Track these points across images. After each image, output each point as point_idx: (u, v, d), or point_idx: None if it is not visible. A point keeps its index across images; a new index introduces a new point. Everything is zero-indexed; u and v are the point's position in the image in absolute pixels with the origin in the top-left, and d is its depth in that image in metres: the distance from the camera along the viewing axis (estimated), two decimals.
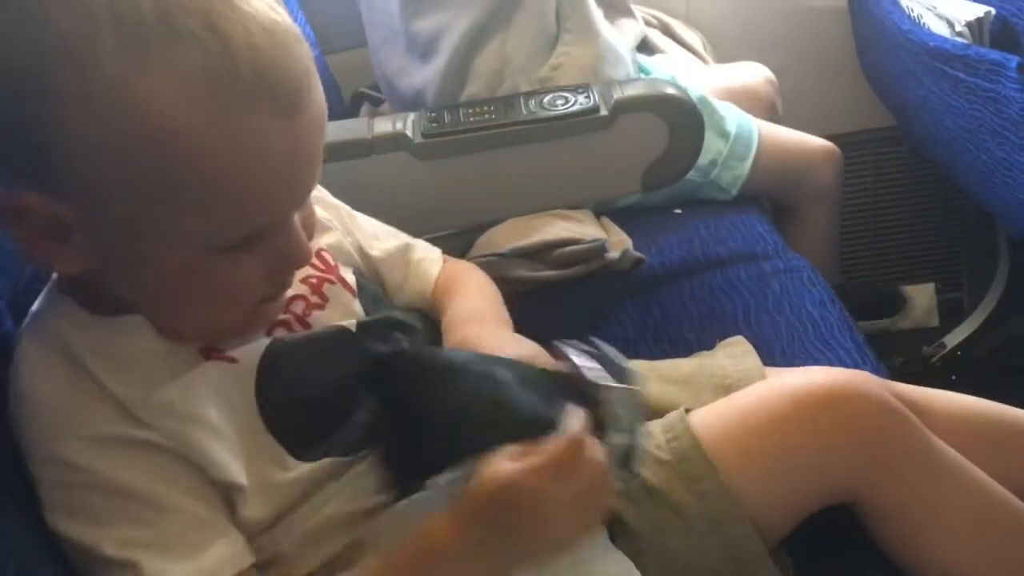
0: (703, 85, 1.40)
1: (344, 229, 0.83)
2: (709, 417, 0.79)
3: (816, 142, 1.42)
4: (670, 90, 1.12)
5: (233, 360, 0.67)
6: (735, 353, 0.92)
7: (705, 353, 0.94)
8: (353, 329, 0.74)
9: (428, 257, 0.88)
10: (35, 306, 0.68)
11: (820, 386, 0.77)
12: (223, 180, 0.57)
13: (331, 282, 0.76)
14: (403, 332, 0.78)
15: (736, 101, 1.43)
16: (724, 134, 1.30)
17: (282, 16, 0.59)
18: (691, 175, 1.26)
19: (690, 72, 1.51)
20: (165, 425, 0.63)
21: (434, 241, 0.92)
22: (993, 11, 1.25)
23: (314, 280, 0.75)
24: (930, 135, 1.60)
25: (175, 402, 0.63)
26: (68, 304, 0.66)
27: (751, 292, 1.13)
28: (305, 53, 0.60)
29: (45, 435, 0.62)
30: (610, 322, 1.11)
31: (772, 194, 1.42)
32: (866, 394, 0.77)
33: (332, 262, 0.78)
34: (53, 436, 0.62)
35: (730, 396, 0.82)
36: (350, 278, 0.78)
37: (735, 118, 1.34)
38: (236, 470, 0.64)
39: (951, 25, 1.31)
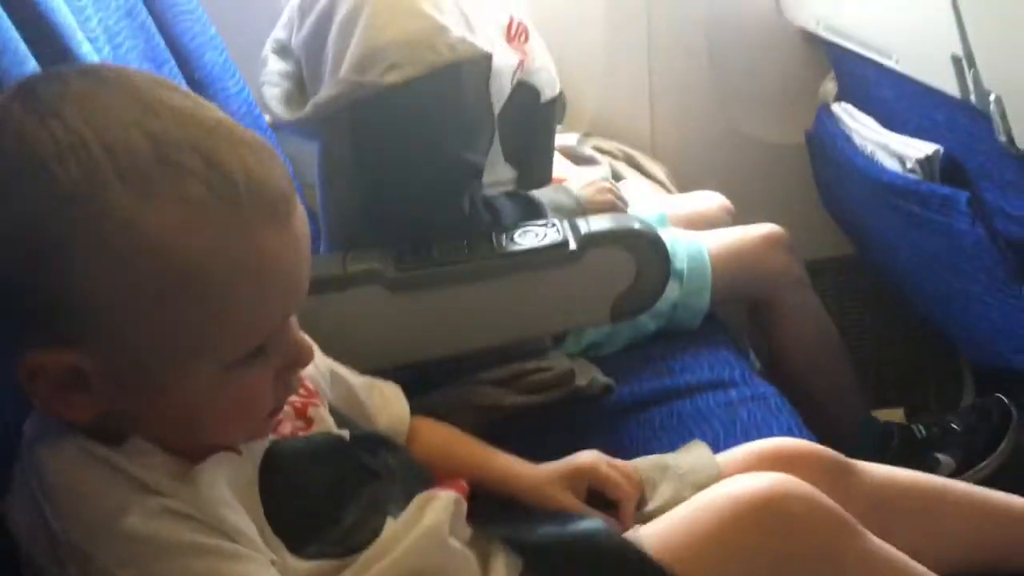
0: (657, 211, 1.45)
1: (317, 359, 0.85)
2: (659, 526, 0.83)
3: (756, 230, 1.43)
4: (636, 225, 1.15)
5: (239, 452, 0.69)
6: (689, 448, 0.98)
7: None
8: (347, 438, 0.78)
9: (396, 392, 0.92)
10: (31, 431, 0.67)
11: (755, 493, 0.81)
12: (237, 299, 0.60)
13: (315, 405, 0.78)
14: (389, 449, 0.82)
15: (693, 227, 1.47)
16: (677, 275, 1.31)
17: (258, 133, 0.63)
18: (655, 322, 1.30)
19: (648, 200, 1.56)
20: (195, 505, 0.63)
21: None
22: (941, 149, 1.31)
23: (298, 404, 0.77)
24: (889, 264, 1.65)
25: (199, 487, 0.64)
26: (70, 435, 0.65)
27: (720, 420, 1.14)
28: (280, 159, 0.64)
29: (94, 522, 0.61)
30: (580, 450, 1.12)
31: (736, 295, 1.42)
32: (800, 498, 0.80)
33: (312, 387, 0.80)
34: (104, 520, 0.61)
35: (679, 506, 0.85)
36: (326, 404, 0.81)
37: (684, 251, 1.35)
38: (261, 544, 0.66)
39: (903, 162, 1.37)
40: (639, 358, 1.28)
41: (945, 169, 1.31)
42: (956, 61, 1.11)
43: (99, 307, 0.58)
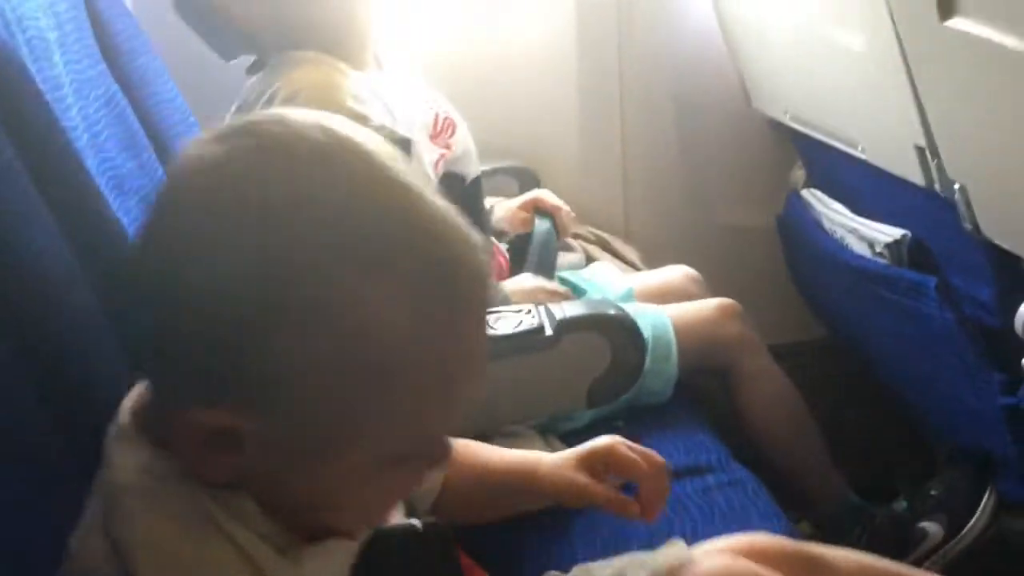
0: (624, 286, 1.48)
1: None
2: None
3: (709, 303, 1.46)
4: (611, 310, 1.17)
5: (354, 540, 0.66)
6: (667, 549, 0.95)
7: None
8: (420, 528, 0.74)
9: None
10: (117, 458, 0.62)
11: None
12: (429, 392, 0.57)
13: None
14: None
15: (663, 301, 1.49)
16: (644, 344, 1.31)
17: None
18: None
19: (615, 278, 1.58)
20: None
21: None
22: (909, 234, 1.34)
23: None
24: (863, 348, 1.66)
25: (304, 571, 0.61)
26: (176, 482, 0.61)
27: (698, 508, 1.13)
28: (490, 254, 0.64)
29: None
30: (560, 540, 1.10)
31: (699, 365, 1.43)
32: None
33: None
34: None
35: None
36: None
37: (648, 321, 1.35)
38: None
39: (872, 246, 1.39)
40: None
41: (914, 254, 1.33)
42: (920, 151, 1.14)
43: (287, 378, 0.55)
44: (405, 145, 1.16)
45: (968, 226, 1.09)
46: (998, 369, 1.19)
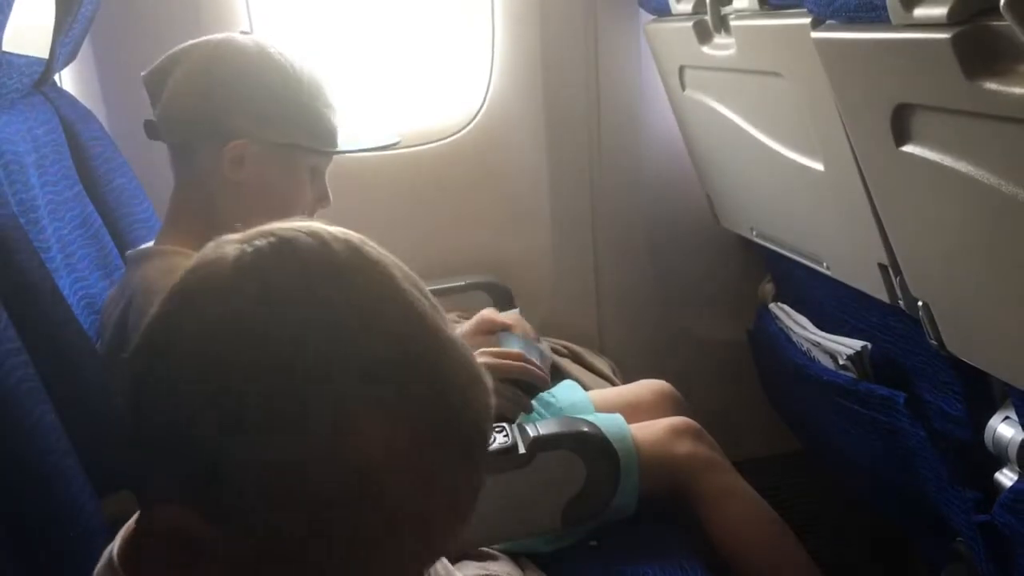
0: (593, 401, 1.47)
1: None
2: None
3: (663, 422, 1.45)
4: (584, 428, 1.16)
5: None
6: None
7: None
8: None
9: None
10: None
11: None
12: (400, 527, 0.55)
13: None
14: None
15: (637, 416, 1.48)
16: None
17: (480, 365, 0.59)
18: None
19: (577, 397, 1.58)
20: None
21: None
22: (869, 345, 1.35)
23: None
24: (838, 460, 1.66)
25: None
26: None
27: None
28: (492, 396, 0.59)
29: None
30: None
31: (659, 487, 1.40)
32: None
33: None
34: None
35: None
36: None
37: (609, 431, 1.33)
38: None
39: (835, 359, 1.40)
40: (585, 558, 1.24)
41: (883, 369, 1.34)
42: (883, 269, 1.17)
43: (256, 485, 0.52)
44: None
45: (933, 343, 1.11)
46: (970, 484, 1.19)
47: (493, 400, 0.58)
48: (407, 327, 0.55)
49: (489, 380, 0.58)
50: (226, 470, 0.52)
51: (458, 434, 0.55)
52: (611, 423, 1.35)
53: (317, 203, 1.25)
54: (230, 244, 0.57)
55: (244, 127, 1.16)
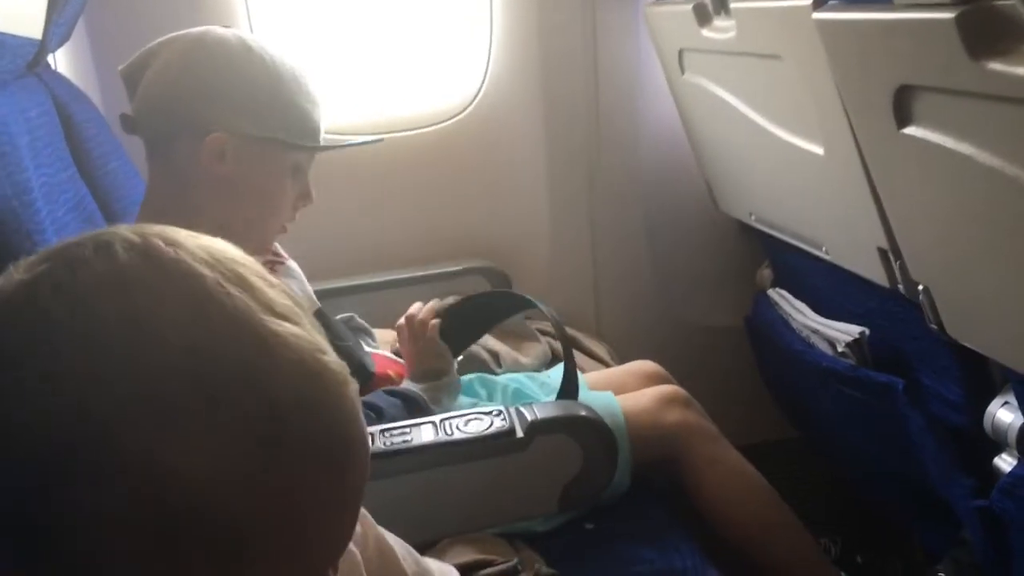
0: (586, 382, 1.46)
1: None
2: None
3: (651, 391, 1.44)
4: (583, 412, 1.16)
5: None
6: None
7: None
8: None
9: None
10: None
11: None
12: (250, 559, 0.48)
13: None
14: None
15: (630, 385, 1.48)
16: None
17: (330, 354, 0.52)
18: None
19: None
20: None
21: None
22: (867, 331, 1.35)
23: None
24: (837, 447, 1.66)
25: None
26: None
27: None
28: (354, 394, 0.52)
29: None
30: None
31: (651, 458, 1.38)
32: None
33: None
34: None
35: None
36: None
37: (598, 406, 1.31)
38: None
39: (833, 346, 1.40)
40: (586, 546, 1.24)
41: (882, 354, 1.34)
42: (883, 253, 1.16)
43: (70, 529, 0.47)
44: None
45: (933, 327, 1.10)
46: (969, 470, 1.19)
47: (354, 387, 0.52)
48: (209, 335, 0.48)
49: (345, 368, 0.52)
50: (49, 530, 0.47)
51: (301, 440, 0.48)
52: (602, 400, 1.35)
53: (299, 201, 1.24)
54: (17, 271, 0.50)
55: (223, 119, 1.14)
